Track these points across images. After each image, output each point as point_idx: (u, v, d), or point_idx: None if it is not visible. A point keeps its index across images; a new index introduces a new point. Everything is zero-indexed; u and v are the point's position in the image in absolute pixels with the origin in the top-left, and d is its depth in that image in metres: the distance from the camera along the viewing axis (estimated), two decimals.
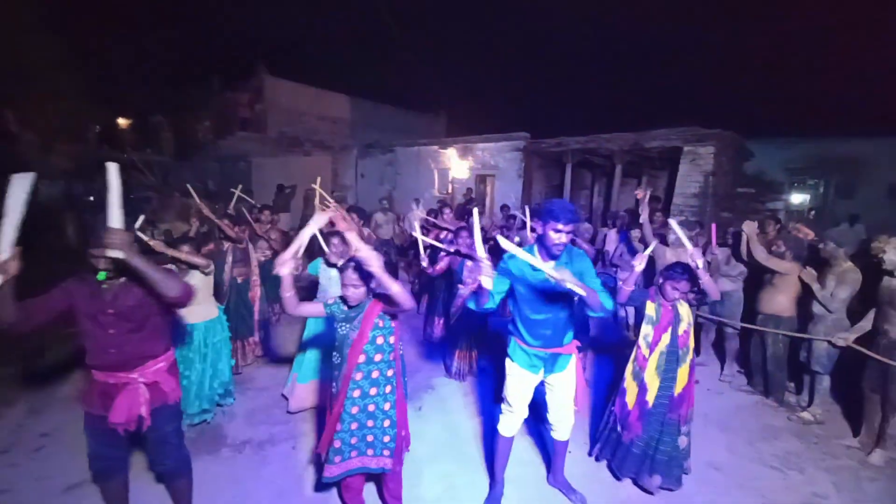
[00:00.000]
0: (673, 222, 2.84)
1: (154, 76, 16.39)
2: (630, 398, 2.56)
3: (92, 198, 13.90)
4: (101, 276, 1.85)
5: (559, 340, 2.28)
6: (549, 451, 2.71)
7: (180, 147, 16.93)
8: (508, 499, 2.51)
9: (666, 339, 2.48)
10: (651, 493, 2.54)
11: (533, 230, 5.21)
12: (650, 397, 2.49)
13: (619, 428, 2.61)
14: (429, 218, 5.83)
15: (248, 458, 2.83)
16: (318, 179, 4.88)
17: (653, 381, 2.49)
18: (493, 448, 2.54)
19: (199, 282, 3.10)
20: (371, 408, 2.07)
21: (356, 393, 2.05)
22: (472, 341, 3.96)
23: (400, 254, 7.94)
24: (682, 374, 2.48)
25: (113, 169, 1.71)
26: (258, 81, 15.92)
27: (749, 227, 3.80)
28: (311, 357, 3.30)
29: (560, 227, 2.01)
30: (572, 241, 3.66)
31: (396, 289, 1.85)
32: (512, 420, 2.42)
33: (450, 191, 10.94)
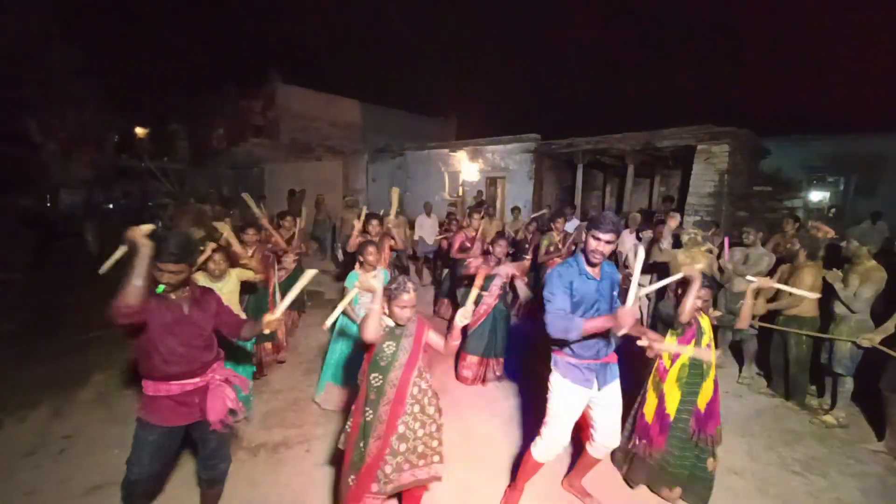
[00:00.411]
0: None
1: (170, 85, 16.77)
2: (649, 410, 2.50)
3: (111, 205, 14.26)
4: (160, 289, 1.93)
5: (609, 348, 2.24)
6: (574, 460, 2.67)
7: (195, 154, 17.28)
8: (522, 501, 2.48)
9: (690, 350, 2.39)
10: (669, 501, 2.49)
11: (554, 230, 5.16)
12: (671, 409, 2.42)
13: (637, 440, 2.54)
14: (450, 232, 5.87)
15: (263, 460, 2.86)
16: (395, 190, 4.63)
17: (673, 392, 2.42)
18: (522, 464, 2.43)
19: (233, 287, 3.20)
20: (423, 416, 2.08)
21: (416, 408, 2.05)
22: (492, 348, 3.91)
23: (412, 257, 7.97)
24: (707, 388, 2.41)
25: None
26: (271, 89, 16.18)
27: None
28: (346, 361, 3.37)
29: (599, 235, 2.04)
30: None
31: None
32: (552, 447, 2.27)
33: (460, 193, 10.95)
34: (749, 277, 2.40)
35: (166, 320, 1.92)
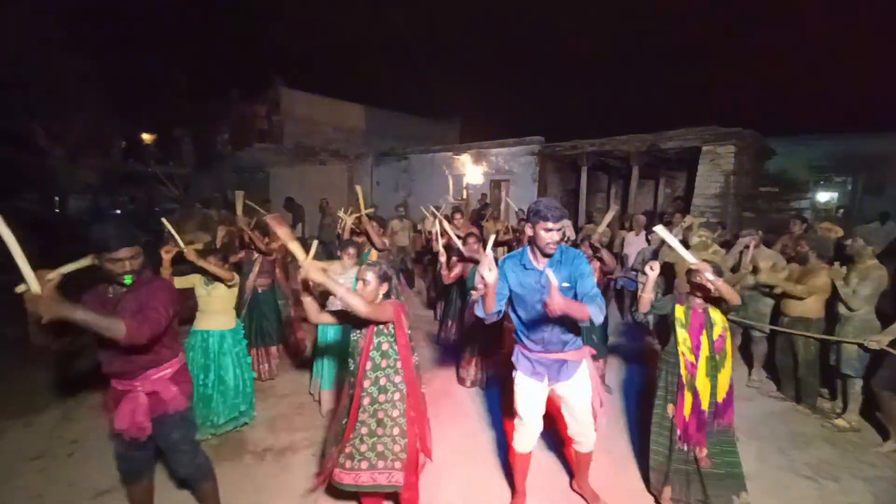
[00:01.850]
0: (660, 229, 2.43)
1: (176, 91, 16.89)
2: (687, 409, 2.40)
3: (118, 210, 14.37)
4: (128, 279, 1.87)
5: (560, 344, 2.18)
6: (573, 461, 2.64)
7: (200, 159, 17.39)
8: (529, 502, 2.47)
9: (706, 342, 2.37)
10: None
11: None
12: (705, 404, 2.37)
13: (682, 446, 2.40)
14: (449, 227, 5.85)
15: (269, 465, 2.85)
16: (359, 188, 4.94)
17: (705, 387, 2.37)
18: (512, 461, 2.46)
19: (224, 292, 3.18)
20: (380, 415, 2.08)
21: (366, 400, 2.08)
22: (487, 349, 3.90)
23: (416, 261, 7.97)
24: (724, 379, 2.39)
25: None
26: (275, 93, 16.26)
27: (748, 240, 3.80)
28: (330, 362, 3.36)
29: (550, 225, 2.01)
30: (594, 249, 3.62)
31: (354, 303, 1.90)
32: (526, 434, 2.30)
33: (465, 196, 10.95)
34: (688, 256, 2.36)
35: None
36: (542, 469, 2.74)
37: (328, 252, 10.11)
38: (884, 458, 3.02)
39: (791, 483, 2.75)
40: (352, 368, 2.15)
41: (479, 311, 2.10)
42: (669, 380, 2.51)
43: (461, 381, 3.97)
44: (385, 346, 2.09)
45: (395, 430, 2.09)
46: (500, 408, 3.46)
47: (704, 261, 2.32)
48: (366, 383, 2.07)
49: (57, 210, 13.31)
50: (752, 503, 2.54)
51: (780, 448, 3.12)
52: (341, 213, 4.87)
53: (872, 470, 2.90)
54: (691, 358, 2.41)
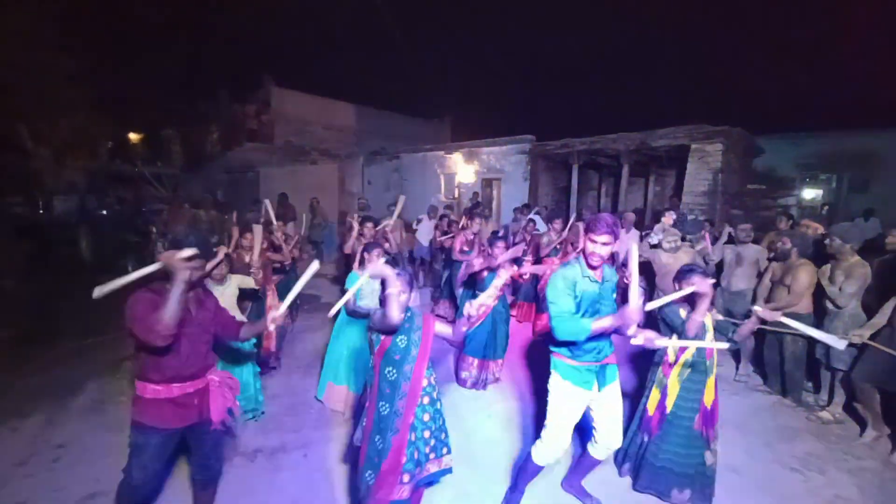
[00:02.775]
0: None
1: (164, 90, 16.68)
2: (651, 404, 2.52)
3: (105, 212, 14.16)
4: None
5: (608, 350, 2.24)
6: (574, 461, 2.66)
7: (190, 159, 17.21)
8: (522, 502, 2.47)
9: (692, 348, 2.40)
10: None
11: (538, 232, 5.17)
12: (669, 402, 2.45)
13: (642, 437, 2.55)
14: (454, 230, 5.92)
15: (260, 466, 2.83)
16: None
17: (673, 388, 2.45)
18: (522, 467, 2.42)
19: (233, 291, 3.21)
20: (431, 409, 2.11)
21: (426, 400, 2.08)
22: (492, 349, 3.89)
23: (410, 260, 7.95)
24: (711, 385, 2.42)
25: None
26: (265, 93, 16.14)
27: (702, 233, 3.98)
28: (345, 360, 3.36)
29: (594, 237, 2.04)
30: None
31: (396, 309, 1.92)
32: (553, 450, 2.25)
33: (456, 195, 10.96)
34: (755, 308, 2.43)
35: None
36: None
37: (319, 252, 10.08)
38: (867, 450, 3.08)
39: (779, 476, 2.80)
40: (391, 378, 2.01)
41: (580, 337, 2.03)
42: (650, 377, 2.61)
43: (461, 381, 3.95)
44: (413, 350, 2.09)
45: (441, 421, 2.16)
46: (500, 409, 3.47)
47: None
48: (424, 383, 2.07)
49: (42, 211, 13.08)
50: (742, 497, 2.58)
51: (768, 442, 3.16)
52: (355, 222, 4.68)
53: (857, 461, 2.95)
54: (671, 359, 2.46)
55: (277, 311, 2.07)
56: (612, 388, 2.28)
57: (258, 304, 3.89)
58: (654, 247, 4.54)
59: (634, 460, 2.62)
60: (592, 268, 2.13)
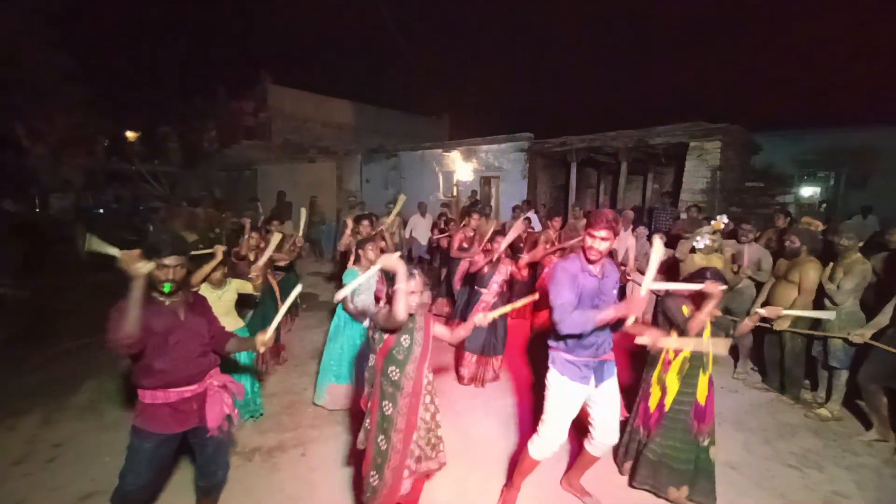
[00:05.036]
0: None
1: (161, 88, 16.60)
2: (653, 402, 2.50)
3: (102, 210, 14.10)
4: (167, 287, 1.89)
5: (607, 346, 2.24)
6: (573, 459, 2.65)
7: (187, 157, 17.13)
8: (520, 500, 2.47)
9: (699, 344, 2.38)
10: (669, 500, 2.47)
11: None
12: (668, 400, 2.44)
13: (641, 433, 2.55)
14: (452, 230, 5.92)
15: (257, 465, 2.82)
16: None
17: (673, 385, 2.44)
18: (518, 462, 2.43)
19: (232, 295, 3.19)
20: (431, 406, 2.12)
21: (428, 399, 2.08)
22: (491, 346, 3.88)
23: (408, 260, 7.95)
24: (703, 382, 2.41)
25: None
26: (262, 90, 16.07)
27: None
28: (347, 359, 3.35)
29: (594, 232, 2.05)
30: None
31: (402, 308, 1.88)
32: (550, 445, 2.27)
33: (455, 193, 10.93)
34: (759, 310, 2.45)
35: (163, 329, 1.88)
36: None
37: (317, 250, 10.05)
38: (865, 447, 3.08)
39: (777, 473, 2.80)
40: (394, 378, 1.98)
41: (587, 327, 2.03)
42: (645, 375, 2.61)
43: (460, 378, 3.95)
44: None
45: (438, 417, 2.15)
46: (498, 406, 3.46)
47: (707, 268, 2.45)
48: (424, 381, 2.05)
49: (38, 210, 13.01)
50: (740, 494, 2.58)
51: (766, 438, 3.16)
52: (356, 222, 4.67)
53: (855, 458, 2.96)
54: (671, 356, 2.46)
55: (265, 334, 2.10)
56: (610, 384, 2.28)
57: (261, 308, 3.87)
58: (693, 251, 4.43)
59: (634, 457, 2.62)
60: (591, 262, 2.13)
